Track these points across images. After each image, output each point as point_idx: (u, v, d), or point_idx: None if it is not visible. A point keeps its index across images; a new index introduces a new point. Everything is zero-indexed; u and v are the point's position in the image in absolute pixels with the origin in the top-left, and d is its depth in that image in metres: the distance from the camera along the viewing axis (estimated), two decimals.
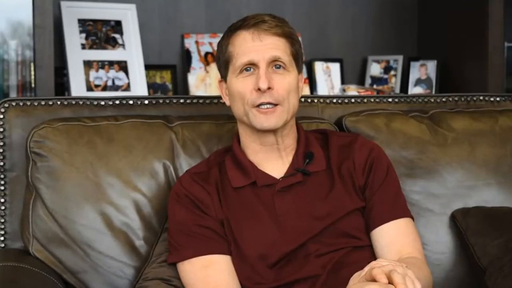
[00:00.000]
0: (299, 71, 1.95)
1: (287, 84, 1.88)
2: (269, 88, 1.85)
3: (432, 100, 2.43)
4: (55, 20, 2.78)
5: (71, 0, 3.04)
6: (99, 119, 2.12)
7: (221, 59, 1.94)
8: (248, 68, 1.88)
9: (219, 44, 1.96)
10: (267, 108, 1.86)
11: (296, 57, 1.92)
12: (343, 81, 3.43)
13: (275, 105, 1.86)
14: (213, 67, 3.24)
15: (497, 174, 2.26)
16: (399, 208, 1.96)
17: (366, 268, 1.57)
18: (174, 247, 1.91)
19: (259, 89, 1.85)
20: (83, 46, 3.02)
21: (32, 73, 2.90)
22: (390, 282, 1.52)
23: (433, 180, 2.23)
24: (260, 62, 1.86)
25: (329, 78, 3.41)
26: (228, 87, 1.93)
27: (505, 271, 2.02)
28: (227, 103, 1.97)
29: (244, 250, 1.87)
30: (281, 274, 1.86)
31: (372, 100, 2.37)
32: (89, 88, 2.99)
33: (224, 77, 1.95)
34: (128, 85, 3.05)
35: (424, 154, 2.24)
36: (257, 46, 1.87)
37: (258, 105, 1.86)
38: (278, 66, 1.88)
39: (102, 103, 2.19)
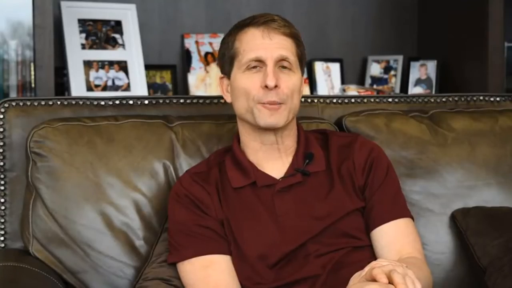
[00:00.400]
0: (302, 73, 1.95)
1: (292, 84, 1.89)
2: (275, 86, 1.85)
3: (432, 100, 2.43)
4: (55, 20, 2.78)
5: (71, 0, 3.04)
6: (99, 119, 2.12)
7: (226, 55, 1.93)
8: (255, 65, 1.88)
9: (224, 40, 1.95)
10: (272, 105, 1.86)
11: (301, 58, 1.93)
12: (343, 81, 3.43)
13: (280, 103, 1.87)
14: (213, 67, 3.24)
15: (497, 174, 2.26)
16: (399, 208, 1.96)
17: (366, 268, 1.57)
18: (174, 247, 1.91)
19: (266, 87, 1.85)
20: (83, 46, 3.03)
21: (32, 73, 2.90)
22: (390, 282, 1.52)
23: (433, 180, 2.23)
24: (268, 59, 1.87)
25: (329, 78, 3.41)
26: (232, 83, 1.93)
27: (505, 271, 2.02)
28: (228, 100, 1.97)
29: (244, 250, 1.87)
30: (281, 274, 1.86)
31: (372, 100, 2.37)
32: (89, 88, 2.99)
33: (227, 73, 1.95)
34: (128, 85, 3.05)
35: (424, 154, 2.24)
36: (266, 44, 1.87)
37: (264, 102, 1.86)
38: (284, 66, 1.88)
39: (102, 103, 2.19)
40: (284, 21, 1.91)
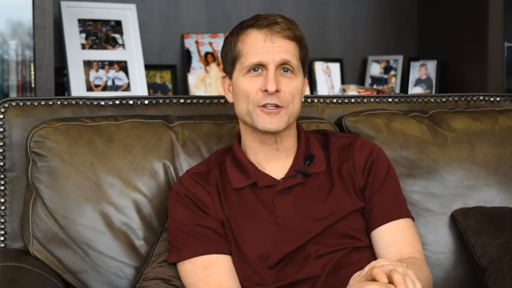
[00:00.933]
0: (304, 75, 1.95)
1: (294, 88, 1.88)
2: (276, 91, 1.85)
3: (432, 100, 2.43)
4: (55, 20, 2.78)
5: (71, 0, 3.04)
6: (99, 119, 2.12)
7: (229, 56, 1.92)
8: (256, 68, 1.87)
9: (226, 40, 1.94)
10: (271, 108, 1.86)
11: (304, 61, 1.92)
12: (343, 81, 3.43)
13: (280, 107, 1.86)
14: (213, 67, 3.24)
15: (497, 174, 2.27)
16: (399, 209, 1.95)
17: (367, 268, 1.57)
18: (175, 247, 1.91)
19: (265, 91, 1.85)
20: (83, 46, 3.03)
21: (32, 73, 2.90)
22: (391, 281, 1.52)
23: (433, 180, 2.23)
24: (270, 64, 1.86)
25: (329, 78, 3.41)
26: (234, 84, 1.92)
27: (505, 271, 2.02)
28: (230, 100, 1.96)
29: (244, 251, 1.87)
30: (281, 275, 1.86)
31: (372, 100, 2.37)
32: (89, 88, 2.99)
33: (229, 73, 1.94)
34: (128, 85, 3.05)
35: (424, 154, 2.24)
36: (268, 48, 1.86)
37: (263, 105, 1.86)
38: (286, 69, 1.88)
39: (102, 103, 2.19)
40: (288, 24, 1.89)
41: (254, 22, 1.89)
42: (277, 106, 1.86)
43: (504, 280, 2.00)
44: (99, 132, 2.09)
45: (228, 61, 1.93)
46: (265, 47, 1.87)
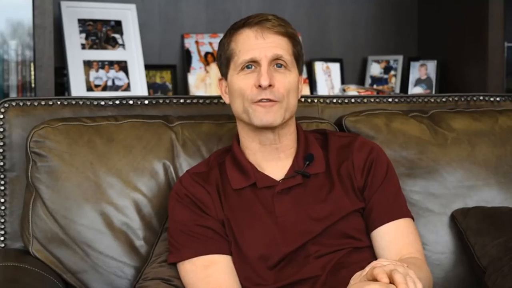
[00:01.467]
0: (300, 72, 1.95)
1: (288, 83, 1.88)
2: (270, 85, 1.85)
3: (432, 100, 2.43)
4: (55, 20, 2.78)
5: (71, 0, 3.04)
6: (99, 119, 2.12)
7: (223, 57, 1.94)
8: (250, 66, 1.88)
9: (221, 42, 1.96)
10: (266, 102, 1.86)
11: (297, 57, 1.93)
12: (343, 81, 3.43)
13: (275, 101, 1.87)
14: (213, 67, 3.24)
15: (497, 174, 2.27)
16: (398, 209, 1.95)
17: (367, 268, 1.57)
18: (175, 247, 1.91)
19: (259, 86, 1.86)
20: (83, 46, 3.03)
21: (32, 73, 2.90)
22: (391, 281, 1.52)
23: (433, 180, 2.23)
24: (262, 59, 1.87)
25: (329, 78, 3.41)
26: (229, 84, 1.93)
27: (505, 271, 2.02)
28: (227, 101, 1.97)
29: (244, 251, 1.87)
30: (281, 275, 1.86)
31: (372, 100, 2.37)
32: (89, 88, 2.99)
33: (224, 74, 1.95)
34: (128, 85, 3.05)
35: (424, 154, 2.24)
36: (259, 44, 1.87)
37: (258, 101, 1.86)
38: (279, 65, 1.89)
39: (102, 103, 2.19)
40: (279, 21, 1.91)
41: (245, 22, 1.91)
42: (271, 101, 1.86)
43: (504, 280, 2.00)
44: (99, 132, 2.09)
45: (223, 62, 1.94)
46: (256, 44, 1.88)
